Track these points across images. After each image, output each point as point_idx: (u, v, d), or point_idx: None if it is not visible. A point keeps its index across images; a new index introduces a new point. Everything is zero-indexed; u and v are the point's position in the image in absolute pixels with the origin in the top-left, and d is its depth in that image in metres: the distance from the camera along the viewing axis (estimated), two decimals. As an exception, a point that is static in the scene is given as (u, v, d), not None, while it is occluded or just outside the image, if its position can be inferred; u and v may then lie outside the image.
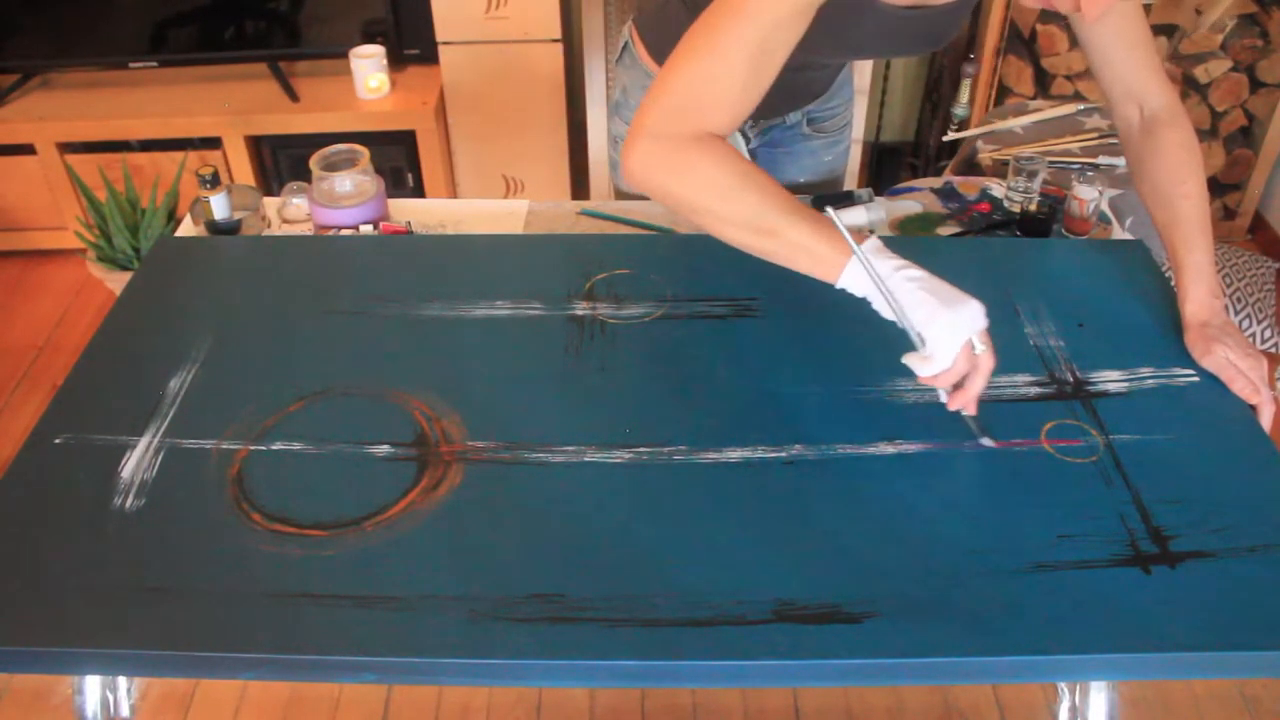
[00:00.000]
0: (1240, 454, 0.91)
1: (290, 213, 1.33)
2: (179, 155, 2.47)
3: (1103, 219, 1.31)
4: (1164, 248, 1.07)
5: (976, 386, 0.89)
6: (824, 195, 1.35)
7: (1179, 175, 1.05)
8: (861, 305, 1.08)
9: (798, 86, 1.30)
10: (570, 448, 0.91)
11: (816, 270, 0.88)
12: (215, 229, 1.27)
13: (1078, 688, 1.06)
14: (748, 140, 1.37)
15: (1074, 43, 2.40)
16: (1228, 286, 2.01)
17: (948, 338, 0.85)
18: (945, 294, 0.87)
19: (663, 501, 0.86)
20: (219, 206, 1.26)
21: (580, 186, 2.75)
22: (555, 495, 0.87)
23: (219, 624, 0.76)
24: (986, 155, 1.74)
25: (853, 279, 0.87)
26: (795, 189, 1.38)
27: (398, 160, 2.55)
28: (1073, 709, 1.07)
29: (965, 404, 0.90)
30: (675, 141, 0.89)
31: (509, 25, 2.41)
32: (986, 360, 0.88)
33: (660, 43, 1.28)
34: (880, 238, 0.98)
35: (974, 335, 0.87)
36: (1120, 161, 1.68)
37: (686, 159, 0.88)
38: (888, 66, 2.69)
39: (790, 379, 0.99)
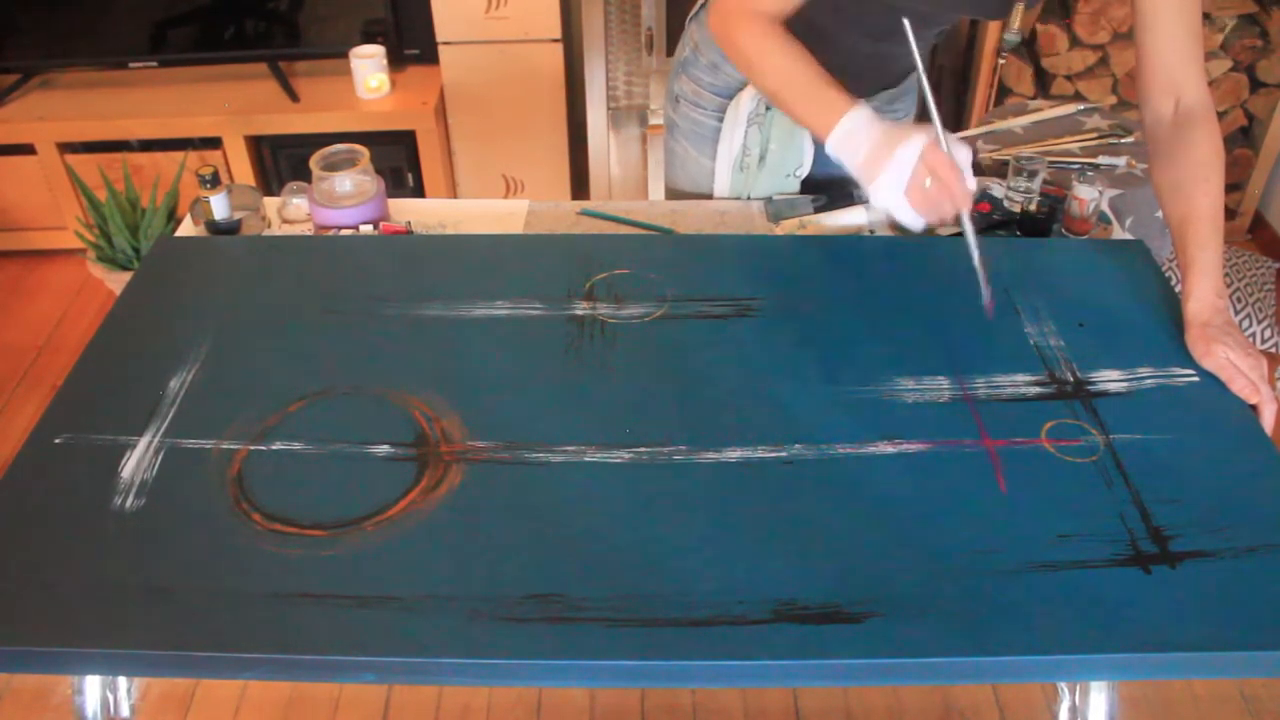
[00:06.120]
0: (1240, 454, 0.91)
1: (290, 213, 1.33)
2: (179, 155, 2.47)
3: (1103, 219, 1.31)
4: (1174, 243, 1.06)
5: (947, 211, 0.99)
6: (825, 194, 1.35)
7: (1204, 173, 1.05)
8: (861, 306, 1.08)
9: (870, 68, 1.32)
10: (570, 448, 0.91)
11: (817, 136, 1.07)
12: (215, 229, 1.27)
13: (1078, 688, 1.06)
14: None
15: (1074, 43, 2.40)
16: (1228, 286, 2.01)
17: (886, 200, 1.00)
18: (877, 158, 0.99)
19: (663, 501, 0.86)
20: (219, 206, 1.26)
21: (580, 186, 2.75)
22: (555, 495, 0.87)
23: (219, 624, 0.76)
24: (986, 155, 1.74)
25: (832, 152, 1.05)
26: (845, 182, 1.39)
27: (398, 160, 2.55)
28: (1073, 709, 1.07)
29: (951, 215, 0.99)
30: (732, 13, 1.11)
31: (509, 25, 2.41)
32: (938, 192, 0.97)
33: None
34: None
35: (904, 182, 0.98)
36: (1120, 161, 1.68)
37: (730, 29, 1.11)
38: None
39: (790, 379, 0.99)
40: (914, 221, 1.00)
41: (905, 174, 0.98)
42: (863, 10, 1.17)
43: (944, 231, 1.29)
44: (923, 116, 1.14)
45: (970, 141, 1.87)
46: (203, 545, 0.82)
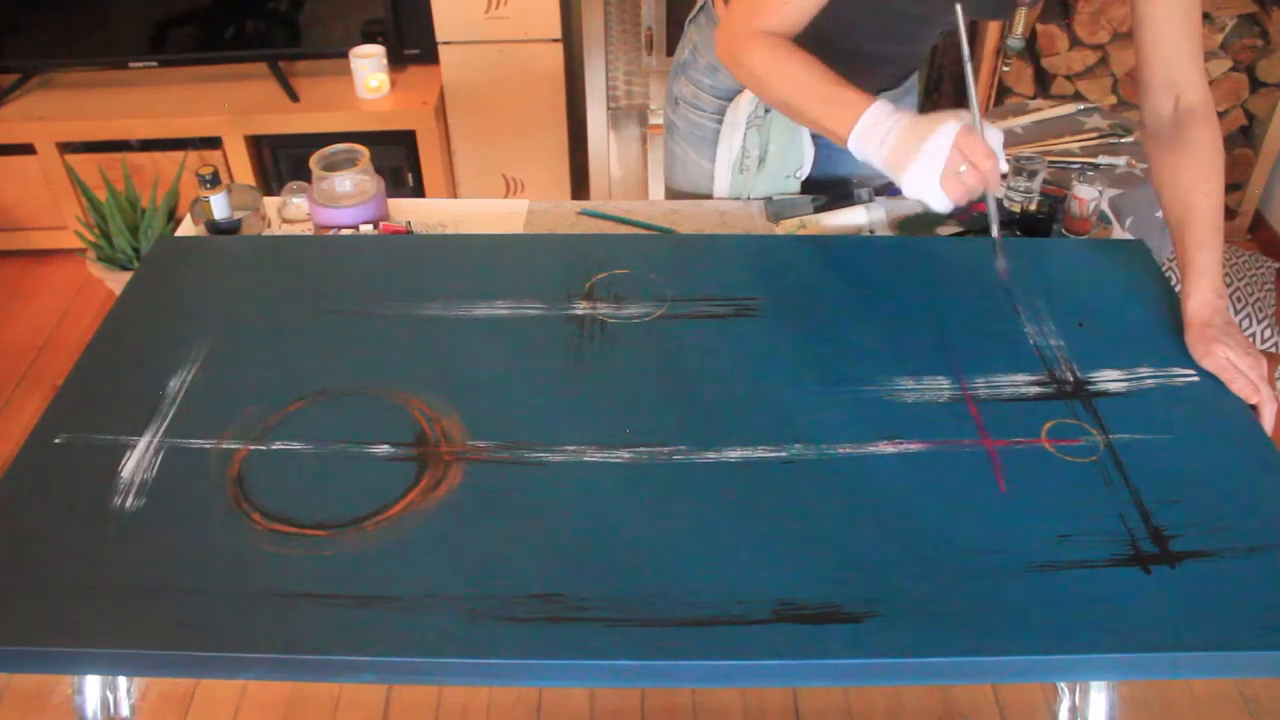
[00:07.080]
0: (1240, 454, 0.91)
1: (290, 213, 1.33)
2: (179, 155, 2.47)
3: (1103, 219, 1.31)
4: (1173, 243, 1.06)
5: (977, 193, 0.98)
6: (824, 194, 1.35)
7: (1204, 173, 1.04)
8: (861, 306, 1.08)
9: (870, 71, 1.31)
10: (570, 448, 0.91)
11: (833, 137, 1.06)
12: (215, 229, 1.27)
13: (1078, 688, 1.06)
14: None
15: (1074, 43, 2.40)
16: (1227, 286, 2.01)
17: (919, 189, 0.98)
18: (906, 148, 0.97)
19: (663, 501, 0.86)
20: (219, 206, 1.26)
21: (580, 186, 2.75)
22: (555, 495, 0.87)
23: (219, 624, 0.76)
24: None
25: (855, 148, 1.03)
26: (845, 182, 1.39)
27: (398, 160, 2.55)
28: (1073, 709, 1.07)
29: (979, 193, 0.99)
30: (738, 35, 1.10)
31: (509, 25, 2.41)
32: (972, 177, 0.96)
33: None
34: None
35: (939, 170, 0.96)
36: (1120, 161, 1.68)
37: (737, 50, 1.10)
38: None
39: (790, 379, 0.99)
40: (944, 206, 0.98)
41: (940, 162, 0.96)
42: (864, 13, 1.17)
43: (944, 231, 1.29)
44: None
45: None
46: (203, 545, 0.82)
